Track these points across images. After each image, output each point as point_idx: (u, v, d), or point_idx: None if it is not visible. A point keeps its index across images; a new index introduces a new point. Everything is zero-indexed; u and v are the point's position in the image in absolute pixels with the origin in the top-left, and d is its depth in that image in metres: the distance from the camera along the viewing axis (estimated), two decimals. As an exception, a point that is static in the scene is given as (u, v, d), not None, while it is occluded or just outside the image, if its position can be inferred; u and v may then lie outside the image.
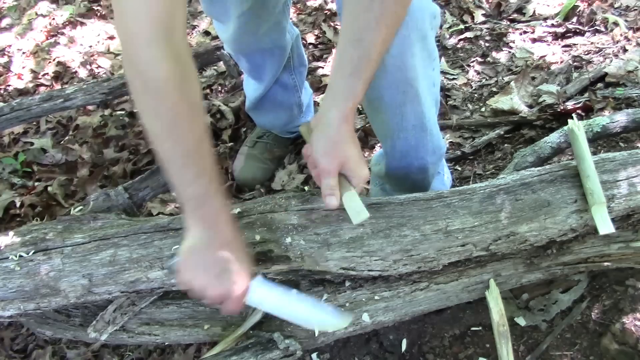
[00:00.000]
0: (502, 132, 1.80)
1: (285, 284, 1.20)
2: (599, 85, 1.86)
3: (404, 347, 1.28)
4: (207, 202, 0.91)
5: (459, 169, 1.76)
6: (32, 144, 2.09)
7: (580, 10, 2.19)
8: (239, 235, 0.99)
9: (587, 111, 1.75)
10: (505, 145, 1.78)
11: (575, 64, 1.98)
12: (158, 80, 0.80)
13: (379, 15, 0.88)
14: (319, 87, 2.15)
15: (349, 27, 0.91)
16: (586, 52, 2.03)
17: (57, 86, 2.46)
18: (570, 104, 1.78)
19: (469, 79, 2.08)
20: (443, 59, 2.18)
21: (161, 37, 0.78)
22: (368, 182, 1.06)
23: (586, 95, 1.81)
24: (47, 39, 2.74)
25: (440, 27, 2.31)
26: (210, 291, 0.94)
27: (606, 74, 1.87)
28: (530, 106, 1.85)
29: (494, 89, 2.00)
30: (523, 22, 2.26)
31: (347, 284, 1.18)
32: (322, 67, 2.26)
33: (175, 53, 0.80)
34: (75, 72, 2.51)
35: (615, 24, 2.08)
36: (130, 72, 0.83)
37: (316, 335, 1.11)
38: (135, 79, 0.82)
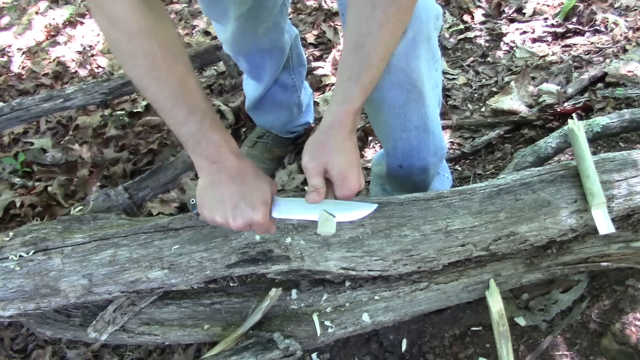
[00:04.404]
0: (502, 132, 1.80)
1: (285, 284, 1.20)
2: (599, 85, 1.86)
3: (404, 347, 1.28)
4: (204, 137, 0.91)
5: (459, 169, 1.76)
6: (32, 144, 2.09)
7: (580, 10, 2.19)
8: (247, 161, 0.98)
9: (587, 111, 1.75)
10: (505, 145, 1.78)
11: (575, 64, 1.98)
12: (131, 28, 0.82)
13: (381, 22, 0.87)
14: (318, 87, 2.15)
15: (351, 34, 0.91)
16: (586, 52, 2.03)
17: (57, 86, 2.46)
18: (570, 104, 1.78)
19: (469, 79, 2.08)
20: (443, 59, 2.18)
21: None
22: (358, 194, 1.01)
23: (586, 95, 1.81)
24: (47, 38, 2.75)
25: (440, 28, 2.31)
26: (233, 223, 0.93)
27: (606, 74, 1.87)
28: (530, 106, 1.85)
29: (494, 89, 2.00)
30: (523, 22, 2.26)
31: (347, 284, 1.18)
32: (322, 67, 2.26)
33: (144, 1, 0.82)
34: (75, 72, 2.52)
35: (615, 24, 2.08)
36: (103, 24, 0.84)
37: (353, 220, 1.01)
38: (109, 30, 0.84)
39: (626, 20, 2.09)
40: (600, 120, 1.43)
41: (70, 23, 2.81)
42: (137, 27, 0.82)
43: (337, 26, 2.44)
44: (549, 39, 2.14)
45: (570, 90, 1.84)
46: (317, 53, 2.34)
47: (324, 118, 0.96)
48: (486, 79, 2.07)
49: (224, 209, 0.93)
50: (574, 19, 2.19)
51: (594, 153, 1.24)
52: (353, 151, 0.96)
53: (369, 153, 1.88)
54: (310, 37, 2.40)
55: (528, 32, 2.20)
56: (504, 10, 2.34)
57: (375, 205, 1.03)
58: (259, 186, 0.95)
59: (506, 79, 2.01)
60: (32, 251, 1.11)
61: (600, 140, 1.64)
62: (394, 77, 1.06)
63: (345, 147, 0.95)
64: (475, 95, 2.01)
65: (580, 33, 2.12)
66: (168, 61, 0.86)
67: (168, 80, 0.87)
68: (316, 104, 2.04)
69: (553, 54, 2.06)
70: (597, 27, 2.11)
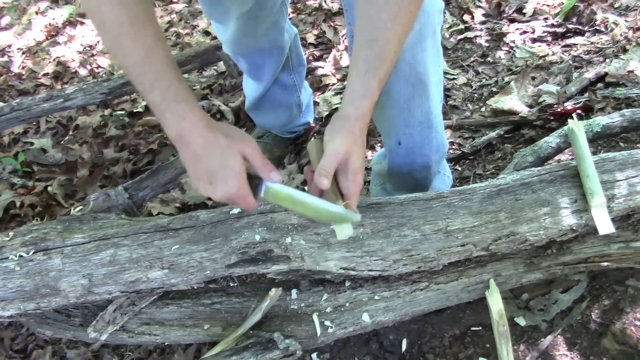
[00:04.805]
0: (502, 132, 1.80)
1: (285, 284, 1.20)
2: (599, 85, 1.86)
3: (404, 347, 1.28)
4: (167, 108, 0.90)
5: (459, 169, 1.76)
6: (32, 144, 2.09)
7: (580, 10, 2.19)
8: (215, 131, 0.92)
9: (587, 111, 1.75)
10: (505, 145, 1.78)
11: (575, 64, 1.98)
12: None
13: (394, 15, 0.87)
14: (318, 87, 2.15)
15: (364, 27, 0.90)
16: (586, 52, 2.03)
17: (57, 86, 2.46)
18: (570, 104, 1.78)
19: (469, 79, 2.08)
20: (443, 58, 2.18)
21: None
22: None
23: (586, 95, 1.81)
24: (47, 38, 2.75)
25: (440, 27, 2.31)
26: (214, 197, 0.92)
27: (606, 74, 1.87)
28: (530, 106, 1.85)
29: (494, 89, 2.00)
30: (523, 22, 2.26)
31: (347, 284, 1.18)
32: (322, 67, 2.26)
33: None
34: (75, 71, 2.52)
35: (615, 24, 2.08)
36: None
37: (333, 228, 0.98)
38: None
39: (626, 20, 2.09)
40: (600, 120, 1.43)
41: (70, 23, 2.81)
42: None
43: (337, 26, 2.44)
44: (549, 39, 2.15)
45: (570, 90, 1.84)
46: (317, 53, 2.34)
47: (345, 109, 0.93)
48: (486, 79, 2.07)
49: (203, 185, 0.92)
50: (574, 19, 2.19)
51: (594, 153, 1.24)
52: (365, 150, 0.96)
53: (369, 153, 1.87)
54: (310, 37, 2.40)
55: (528, 32, 2.20)
56: (504, 10, 2.34)
57: (358, 217, 0.96)
58: (226, 160, 0.90)
59: (506, 79, 2.01)
60: (32, 251, 1.11)
61: (600, 140, 1.64)
62: (399, 71, 1.06)
63: (364, 143, 0.95)
64: (475, 95, 2.02)
65: (580, 33, 2.12)
66: (135, 29, 0.87)
67: (134, 49, 0.88)
68: (316, 104, 2.04)
69: (553, 54, 2.06)
70: (597, 27, 2.12)
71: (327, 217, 0.96)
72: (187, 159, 0.93)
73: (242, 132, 0.97)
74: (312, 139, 1.02)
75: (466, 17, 2.36)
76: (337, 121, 0.94)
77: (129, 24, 0.87)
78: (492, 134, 1.80)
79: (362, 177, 0.94)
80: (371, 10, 0.88)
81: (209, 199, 1.20)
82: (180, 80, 0.92)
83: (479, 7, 2.39)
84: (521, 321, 1.28)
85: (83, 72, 2.51)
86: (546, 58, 2.04)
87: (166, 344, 1.30)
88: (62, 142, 2.12)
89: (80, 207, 1.25)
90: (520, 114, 1.81)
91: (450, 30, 2.31)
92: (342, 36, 2.37)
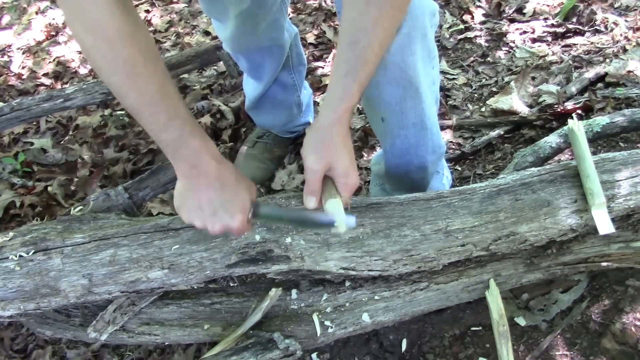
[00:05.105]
0: (502, 132, 1.80)
1: (285, 284, 1.20)
2: (599, 85, 1.86)
3: (404, 347, 1.28)
4: (184, 143, 0.90)
5: (459, 169, 1.76)
6: (32, 144, 2.09)
7: (580, 10, 2.19)
8: (228, 166, 0.97)
9: (587, 111, 1.75)
10: (505, 145, 1.78)
11: (575, 64, 1.98)
12: (111, 34, 0.81)
13: (375, 18, 0.88)
14: (318, 87, 2.15)
15: (346, 30, 0.91)
16: (586, 52, 2.03)
17: (57, 86, 2.46)
18: (570, 104, 1.78)
19: (469, 79, 2.08)
20: (443, 59, 2.18)
21: None
22: (357, 193, 1.02)
23: (586, 95, 1.81)
24: (47, 38, 2.75)
25: (440, 27, 2.31)
26: (210, 228, 0.95)
27: (606, 74, 1.87)
28: (530, 106, 1.85)
29: (494, 89, 2.00)
30: (523, 22, 2.26)
31: (347, 284, 1.18)
32: (322, 67, 2.26)
33: (122, 4, 0.81)
34: (75, 71, 2.52)
35: (615, 24, 2.08)
36: (80, 32, 0.83)
37: (336, 230, 0.96)
38: (87, 37, 0.83)
39: (626, 20, 2.09)
40: (600, 120, 1.43)
41: (70, 23, 2.81)
42: (117, 32, 0.81)
43: (337, 26, 2.44)
44: (549, 39, 2.14)
45: (570, 90, 1.84)
46: (317, 53, 2.34)
47: (322, 115, 0.96)
48: (486, 79, 2.07)
49: (202, 215, 0.94)
50: (574, 19, 2.19)
51: (594, 153, 1.24)
52: (351, 148, 0.98)
53: (369, 153, 1.87)
54: (310, 37, 2.40)
55: (528, 32, 2.20)
56: (504, 10, 2.34)
57: (354, 220, 0.96)
58: (238, 193, 0.96)
59: (506, 79, 2.01)
60: (32, 251, 1.11)
61: (600, 140, 1.64)
62: (390, 74, 1.07)
63: (347, 144, 0.96)
64: (475, 95, 2.02)
65: (580, 33, 2.12)
66: (148, 67, 0.85)
67: (148, 87, 0.86)
68: (316, 103, 2.04)
69: (553, 54, 2.06)
70: (597, 27, 2.11)
71: (318, 228, 1.02)
72: (195, 188, 0.94)
73: (245, 176, 1.02)
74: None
75: (466, 17, 2.36)
76: (312, 133, 0.97)
77: (142, 61, 0.84)
78: (492, 134, 1.80)
79: (353, 177, 0.96)
80: (353, 14, 0.89)
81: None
82: (190, 114, 0.93)
83: (479, 7, 2.39)
84: (521, 321, 1.28)
85: (83, 72, 2.51)
86: (546, 58, 2.04)
87: (166, 344, 1.30)
88: (62, 142, 2.12)
89: (80, 207, 1.25)
90: (520, 114, 1.81)
91: (450, 30, 2.31)
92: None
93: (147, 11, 2.80)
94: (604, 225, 1.06)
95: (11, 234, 1.16)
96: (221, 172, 0.95)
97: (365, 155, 1.87)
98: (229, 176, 0.96)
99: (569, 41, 2.11)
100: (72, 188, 1.89)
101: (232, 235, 1.06)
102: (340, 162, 0.95)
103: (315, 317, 1.16)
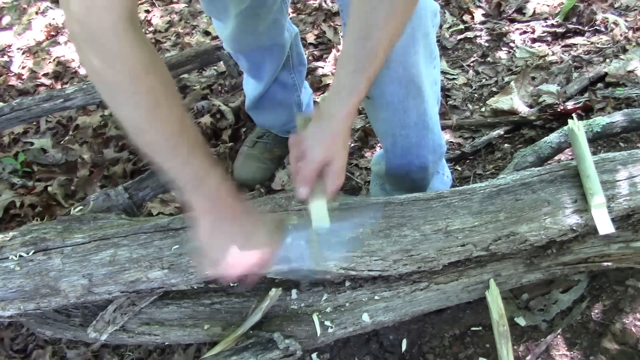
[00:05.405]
0: (502, 132, 1.80)
1: (285, 284, 1.20)
2: (599, 85, 1.86)
3: (404, 347, 1.28)
4: (205, 179, 0.86)
5: (459, 169, 1.76)
6: (32, 144, 2.09)
7: (580, 10, 2.19)
8: (249, 205, 0.96)
9: (587, 111, 1.75)
10: (505, 145, 1.78)
11: (575, 64, 1.98)
12: (133, 65, 0.77)
13: (387, 14, 0.87)
14: (318, 87, 2.15)
15: (355, 25, 0.90)
16: (586, 52, 2.03)
17: (57, 86, 2.46)
18: (570, 104, 1.77)
19: (469, 79, 2.08)
20: (443, 59, 2.18)
21: (128, 24, 0.75)
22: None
23: (586, 95, 1.81)
24: (47, 38, 2.74)
25: (440, 27, 2.31)
26: (234, 269, 0.91)
27: (606, 74, 1.87)
28: (530, 106, 1.85)
29: (494, 89, 2.00)
30: (523, 22, 2.26)
31: (347, 284, 1.18)
32: (322, 67, 2.26)
33: (140, 36, 0.78)
34: (75, 71, 2.51)
35: (615, 24, 2.08)
36: (99, 65, 0.78)
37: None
38: (107, 71, 0.78)
39: (626, 20, 2.09)
40: (600, 120, 1.43)
41: (70, 23, 2.81)
42: (138, 62, 0.77)
43: (337, 26, 2.44)
44: (549, 39, 2.14)
45: (570, 90, 1.84)
46: (317, 53, 2.34)
47: (331, 106, 0.94)
48: (486, 79, 2.07)
49: (227, 252, 0.90)
50: (574, 19, 2.19)
51: (594, 153, 1.24)
52: (348, 148, 0.96)
53: (369, 153, 1.87)
54: (310, 37, 2.40)
55: (528, 32, 2.20)
56: (504, 10, 2.34)
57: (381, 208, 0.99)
58: (263, 228, 0.94)
59: (506, 79, 2.01)
60: (32, 251, 1.11)
61: (600, 140, 1.64)
62: (393, 72, 1.06)
63: (347, 143, 0.95)
64: (475, 95, 2.01)
65: (580, 33, 2.12)
66: (169, 97, 0.82)
67: (170, 118, 0.82)
68: (316, 104, 2.04)
69: (553, 54, 2.06)
70: (597, 27, 2.11)
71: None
72: (220, 224, 0.90)
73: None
74: (301, 113, 1.01)
75: (466, 17, 2.36)
76: (323, 122, 0.94)
77: (163, 91, 0.80)
78: (492, 134, 1.80)
79: (342, 177, 0.95)
80: (365, 9, 0.87)
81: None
82: (207, 148, 0.89)
83: (479, 7, 2.39)
84: (521, 321, 1.28)
85: (83, 72, 2.51)
86: (546, 58, 2.04)
87: (166, 344, 1.30)
88: (62, 142, 2.12)
89: (80, 207, 1.25)
90: (520, 114, 1.81)
91: (450, 30, 2.31)
92: (342, 36, 2.37)
93: (147, 11, 2.80)
94: (604, 225, 1.06)
95: (11, 234, 1.16)
96: (244, 207, 0.93)
97: (366, 155, 1.86)
98: (250, 210, 0.95)
99: (569, 41, 2.11)
100: (72, 188, 1.88)
101: (245, 280, 1.00)
102: (338, 160, 0.93)
103: (315, 317, 1.16)
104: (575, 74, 1.93)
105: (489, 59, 2.14)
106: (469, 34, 2.27)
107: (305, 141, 0.95)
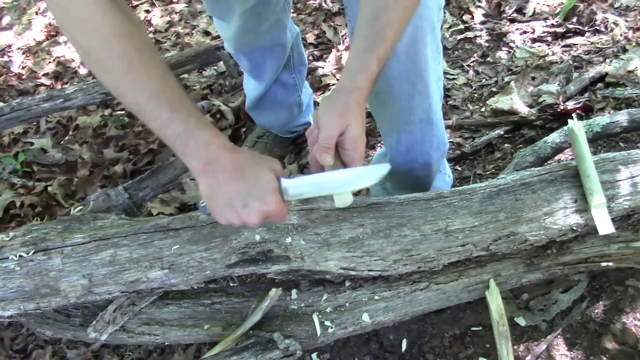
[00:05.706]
0: (502, 132, 1.80)
1: (285, 284, 1.20)
2: (599, 85, 1.86)
3: (404, 347, 1.28)
4: (192, 137, 0.87)
5: (459, 169, 1.76)
6: (32, 144, 2.09)
7: (580, 10, 2.19)
8: (242, 151, 0.93)
9: (587, 111, 1.75)
10: (505, 145, 1.78)
11: (575, 64, 1.98)
12: (105, 31, 0.82)
13: None
14: (319, 87, 2.15)
15: (366, 7, 0.92)
16: (586, 52, 2.03)
17: (57, 86, 2.46)
18: (570, 104, 1.78)
19: (469, 79, 2.08)
20: (443, 59, 2.18)
21: None
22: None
23: (586, 95, 1.81)
24: (47, 38, 2.75)
25: (440, 27, 2.31)
26: (248, 221, 0.89)
27: (606, 74, 1.87)
28: (530, 106, 1.85)
29: (494, 89, 2.00)
30: (523, 22, 2.26)
31: (347, 284, 1.18)
32: (322, 67, 2.26)
33: (116, 6, 0.82)
34: (75, 71, 2.52)
35: (615, 24, 2.08)
36: (73, 31, 0.84)
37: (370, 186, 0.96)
38: (80, 36, 0.84)
39: (626, 20, 2.09)
40: (600, 120, 1.43)
41: (70, 23, 2.81)
42: (111, 29, 0.82)
43: (337, 26, 2.44)
44: (549, 39, 2.14)
45: (570, 90, 1.84)
46: (317, 53, 2.34)
47: (342, 83, 0.94)
48: (486, 79, 2.07)
49: (235, 211, 0.89)
50: (574, 19, 2.19)
51: (594, 153, 1.24)
52: (364, 121, 0.95)
53: (370, 153, 1.87)
54: (311, 37, 2.40)
55: (528, 32, 2.20)
56: (504, 10, 2.34)
57: (388, 166, 0.95)
58: (261, 177, 0.90)
59: (506, 79, 2.01)
60: (32, 251, 1.11)
61: (600, 140, 1.64)
62: (402, 66, 1.07)
63: (362, 114, 0.94)
64: (475, 95, 2.01)
65: (580, 33, 2.12)
66: (145, 61, 0.84)
67: (148, 81, 0.85)
68: (316, 104, 2.04)
69: (553, 54, 2.06)
70: (597, 27, 2.11)
71: (357, 183, 0.94)
72: (217, 186, 0.89)
73: (263, 155, 0.97)
74: (317, 110, 1.00)
75: (466, 17, 2.36)
76: (332, 94, 0.94)
77: (138, 56, 0.84)
78: (492, 134, 1.80)
79: (363, 145, 0.93)
80: None
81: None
82: (195, 107, 0.91)
83: (479, 7, 2.39)
84: (521, 321, 1.28)
85: (83, 72, 2.51)
86: (546, 58, 2.04)
87: (166, 344, 1.30)
88: (62, 142, 2.12)
89: (80, 207, 1.25)
90: (520, 114, 1.81)
91: (450, 30, 2.31)
92: (342, 36, 2.37)
93: (147, 11, 2.81)
94: (604, 225, 1.06)
95: (11, 234, 1.16)
96: (237, 160, 0.90)
97: (366, 156, 1.86)
98: (246, 162, 0.90)
99: (569, 41, 2.11)
100: (72, 188, 1.89)
101: (274, 223, 1.02)
102: (353, 127, 0.91)
103: (315, 317, 1.16)
104: (575, 74, 1.93)
105: (489, 59, 2.14)
106: (469, 34, 2.27)
107: (318, 120, 0.93)
